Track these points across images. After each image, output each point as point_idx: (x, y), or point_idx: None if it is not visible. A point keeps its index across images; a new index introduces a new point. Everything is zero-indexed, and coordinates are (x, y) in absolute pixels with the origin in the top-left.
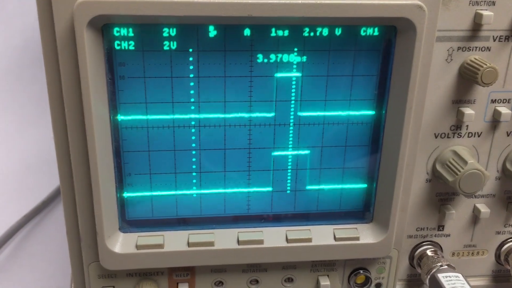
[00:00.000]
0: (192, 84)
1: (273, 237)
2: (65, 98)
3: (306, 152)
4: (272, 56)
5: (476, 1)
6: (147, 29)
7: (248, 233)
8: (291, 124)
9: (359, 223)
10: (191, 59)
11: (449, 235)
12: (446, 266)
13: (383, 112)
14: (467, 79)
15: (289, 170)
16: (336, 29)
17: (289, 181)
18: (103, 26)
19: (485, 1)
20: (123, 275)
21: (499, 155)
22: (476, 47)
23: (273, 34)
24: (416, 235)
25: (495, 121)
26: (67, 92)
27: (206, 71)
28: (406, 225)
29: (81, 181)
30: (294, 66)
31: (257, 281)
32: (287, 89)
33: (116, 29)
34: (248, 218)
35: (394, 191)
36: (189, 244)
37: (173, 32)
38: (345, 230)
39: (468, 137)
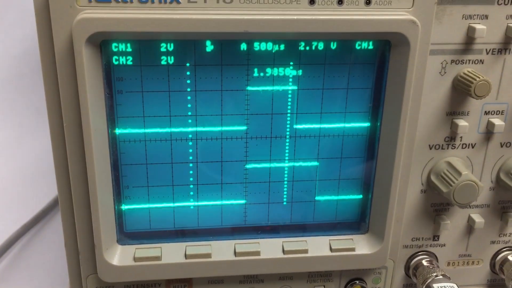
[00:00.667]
0: (189, 98)
1: (270, 248)
2: (64, 112)
3: (302, 164)
4: (268, 70)
5: (469, 15)
6: (145, 44)
7: (245, 244)
8: (287, 136)
9: (355, 233)
10: (188, 73)
11: (444, 245)
12: (441, 276)
13: (378, 124)
14: (461, 92)
15: (285, 182)
16: (332, 43)
17: (285, 192)
18: (101, 42)
19: (478, 14)
20: (121, 287)
21: (493, 166)
22: (469, 60)
23: (269, 48)
24: (411, 245)
25: (488, 132)
26: (65, 106)
27: (203, 85)
28: (402, 235)
29: (79, 194)
30: (290, 80)
31: None
32: (283, 102)
33: (114, 44)
34: (245, 230)
35: (389, 202)
36: (186, 256)
37: (170, 47)
38: (341, 241)
39: (462, 148)
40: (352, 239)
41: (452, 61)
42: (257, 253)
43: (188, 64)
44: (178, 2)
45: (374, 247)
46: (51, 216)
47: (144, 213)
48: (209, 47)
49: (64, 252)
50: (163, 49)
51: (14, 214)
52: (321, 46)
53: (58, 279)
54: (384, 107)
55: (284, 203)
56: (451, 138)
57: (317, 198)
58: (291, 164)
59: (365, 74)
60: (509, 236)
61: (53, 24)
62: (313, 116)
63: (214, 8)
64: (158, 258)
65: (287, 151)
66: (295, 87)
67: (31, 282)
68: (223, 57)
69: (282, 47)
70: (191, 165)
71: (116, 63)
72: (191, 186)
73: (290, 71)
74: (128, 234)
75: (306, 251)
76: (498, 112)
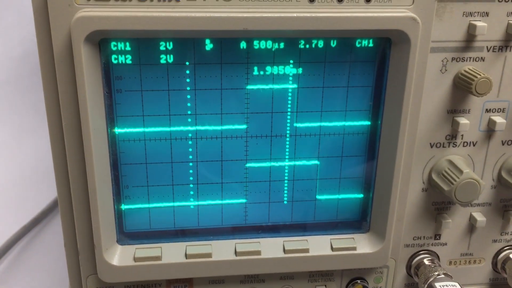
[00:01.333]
0: (188, 96)
1: (271, 248)
2: (63, 112)
3: (303, 162)
4: (268, 68)
5: (470, 12)
6: (144, 43)
7: (246, 244)
8: (288, 135)
9: (356, 233)
10: (187, 72)
11: (446, 244)
12: (443, 275)
13: (379, 122)
14: (462, 89)
15: (286, 181)
16: (332, 41)
17: (286, 191)
18: (100, 41)
19: (478, 12)
20: (121, 287)
21: (494, 164)
22: (470, 58)
23: (269, 46)
24: (413, 244)
25: (490, 130)
26: (64, 105)
27: (203, 84)
28: (403, 234)
29: (78, 194)
30: (290, 78)
31: None
32: (283, 100)
33: (113, 43)
34: (245, 229)
35: (390, 200)
36: (186, 256)
37: (169, 45)
38: (342, 240)
39: (463, 146)
40: (353, 238)
41: (453, 58)
42: (258, 252)
43: (187, 63)
44: (177, 0)
45: (375, 246)
46: (51, 218)
47: (144, 213)
48: (209, 45)
49: (64, 253)
50: (162, 48)
51: (14, 215)
52: (321, 44)
53: (58, 280)
54: (385, 105)
55: (285, 202)
56: (452, 136)
57: (317, 197)
58: (292, 163)
59: (365, 72)
60: (511, 234)
61: (51, 22)
62: (314, 114)
63: (213, 6)
64: (158, 258)
65: (287, 149)
66: (295, 86)
67: (31, 284)
68: (223, 55)
69: (282, 45)
70: (191, 164)
71: (115, 62)
72: (191, 185)
73: (290, 70)
74: (128, 234)
75: (307, 251)
76: (499, 110)
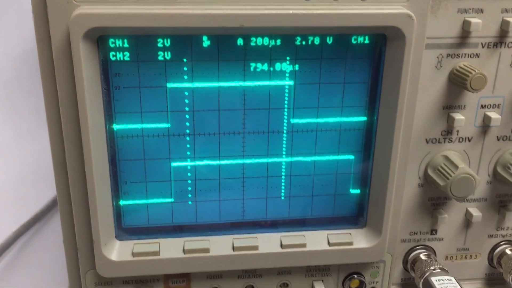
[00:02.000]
0: (186, 93)
1: (268, 243)
2: (62, 109)
3: (300, 158)
4: (265, 65)
5: (464, 9)
6: (142, 40)
7: (243, 239)
8: (284, 131)
9: (353, 228)
10: (185, 68)
11: (442, 239)
12: (439, 270)
13: (375, 118)
14: (457, 85)
15: (283, 177)
16: (328, 38)
17: (283, 187)
18: (98, 38)
19: (473, 8)
20: (120, 283)
21: (490, 160)
22: (465, 54)
23: (266, 43)
24: (409, 239)
25: (485, 126)
26: (63, 102)
27: (200, 80)
28: (399, 229)
29: (77, 189)
30: (287, 75)
31: (252, 287)
32: (280, 97)
33: (111, 40)
34: (243, 225)
35: (386, 196)
36: (184, 251)
37: (167, 42)
38: (339, 235)
39: (459, 142)
40: (350, 233)
41: (448, 55)
42: (255, 247)
43: (185, 60)
44: None
45: (372, 241)
46: (50, 216)
47: (142, 208)
48: (206, 42)
49: (63, 250)
50: (160, 45)
51: (14, 213)
52: (317, 40)
53: (58, 277)
54: (381, 101)
55: (282, 197)
56: (448, 132)
57: (314, 192)
58: (289, 158)
59: (361, 69)
60: (506, 229)
61: (50, 20)
62: (310, 110)
63: (210, 3)
64: (156, 253)
65: (284, 145)
66: (291, 82)
67: (30, 281)
68: (220, 52)
69: (279, 42)
70: (188, 160)
71: (113, 58)
72: (189, 181)
73: (286, 66)
74: (126, 230)
75: (304, 246)
76: (494, 105)
